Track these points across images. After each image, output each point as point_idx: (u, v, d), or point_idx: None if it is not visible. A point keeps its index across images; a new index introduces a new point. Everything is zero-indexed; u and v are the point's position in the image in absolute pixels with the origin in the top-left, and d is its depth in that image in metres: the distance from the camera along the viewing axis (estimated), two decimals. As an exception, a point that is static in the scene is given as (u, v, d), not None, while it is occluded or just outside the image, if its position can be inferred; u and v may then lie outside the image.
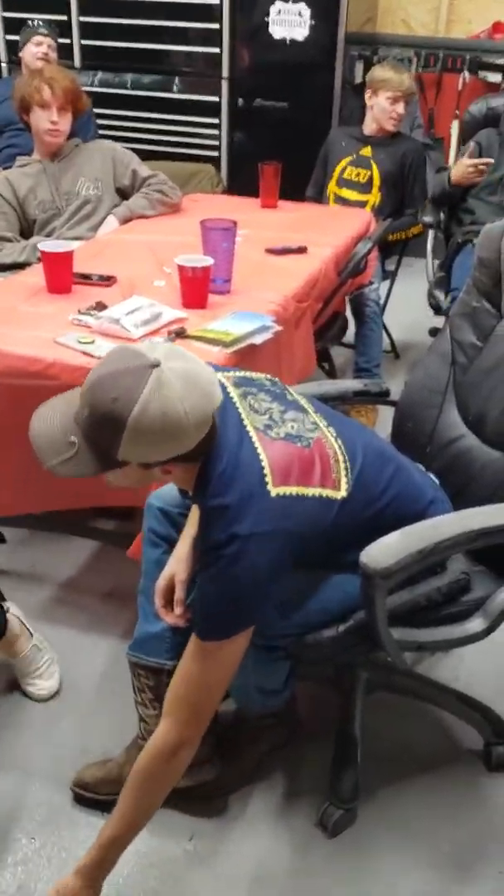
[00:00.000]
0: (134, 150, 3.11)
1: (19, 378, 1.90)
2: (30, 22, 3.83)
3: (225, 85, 4.19)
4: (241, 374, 1.48)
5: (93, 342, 1.94)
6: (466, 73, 4.52)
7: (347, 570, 1.40)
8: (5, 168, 3.27)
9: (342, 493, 1.37)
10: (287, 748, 1.83)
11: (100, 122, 4.12)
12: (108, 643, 2.11)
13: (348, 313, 3.18)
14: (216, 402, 1.25)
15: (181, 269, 2.14)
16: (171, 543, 1.61)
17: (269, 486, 1.29)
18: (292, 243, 2.66)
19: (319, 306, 2.61)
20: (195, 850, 1.64)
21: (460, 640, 1.55)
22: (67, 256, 2.22)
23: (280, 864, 1.63)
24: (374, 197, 3.48)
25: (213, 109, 4.24)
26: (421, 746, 1.88)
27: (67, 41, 4.25)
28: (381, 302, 3.35)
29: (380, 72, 3.49)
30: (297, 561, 1.33)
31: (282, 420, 1.38)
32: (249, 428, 1.34)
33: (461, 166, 3.12)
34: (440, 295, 3.15)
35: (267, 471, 1.30)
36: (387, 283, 3.57)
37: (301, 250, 2.63)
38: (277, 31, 4.13)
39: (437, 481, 1.67)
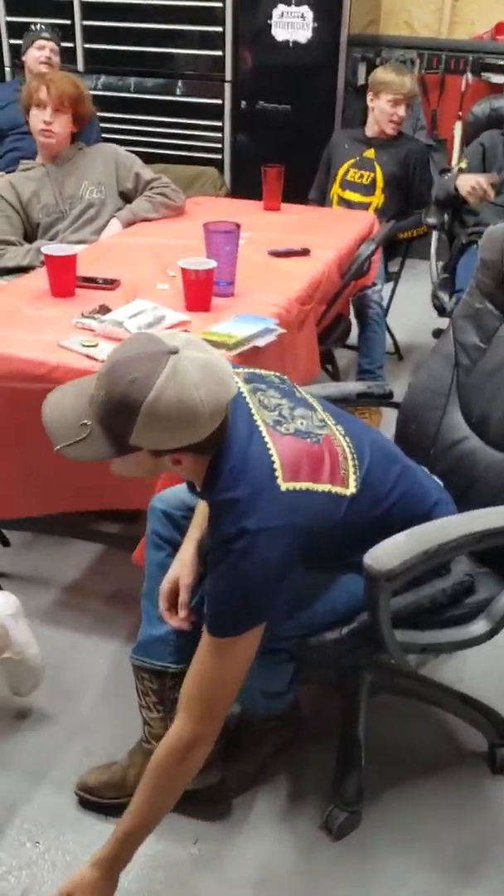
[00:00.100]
0: (137, 153, 3.11)
1: (23, 381, 1.90)
2: (32, 26, 3.85)
3: (228, 88, 4.20)
4: (251, 370, 1.48)
5: (96, 345, 1.94)
6: (469, 75, 4.52)
7: (353, 570, 1.40)
8: (9, 172, 3.29)
9: (351, 489, 1.37)
10: (291, 751, 1.83)
11: (103, 125, 4.13)
12: (112, 646, 2.11)
13: (351, 315, 3.19)
14: (231, 394, 1.25)
15: (184, 272, 2.15)
16: (174, 546, 1.62)
17: (279, 481, 1.29)
18: (295, 246, 2.66)
19: (323, 308, 2.61)
20: (200, 853, 1.64)
21: (464, 642, 1.55)
22: (71, 260, 2.23)
23: (285, 867, 1.62)
24: (378, 199, 3.49)
25: (216, 112, 4.25)
26: (425, 749, 1.88)
27: (71, 45, 4.25)
28: (385, 304, 3.35)
29: (381, 74, 3.49)
30: (306, 557, 1.33)
31: (291, 416, 1.38)
32: (259, 423, 1.34)
33: (469, 180, 3.08)
34: (444, 296, 3.14)
35: (277, 465, 1.30)
36: (390, 285, 3.57)
37: (304, 253, 2.63)
38: (280, 33, 4.14)
39: (441, 483, 1.67)
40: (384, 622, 1.39)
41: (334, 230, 2.94)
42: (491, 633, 1.53)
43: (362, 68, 4.39)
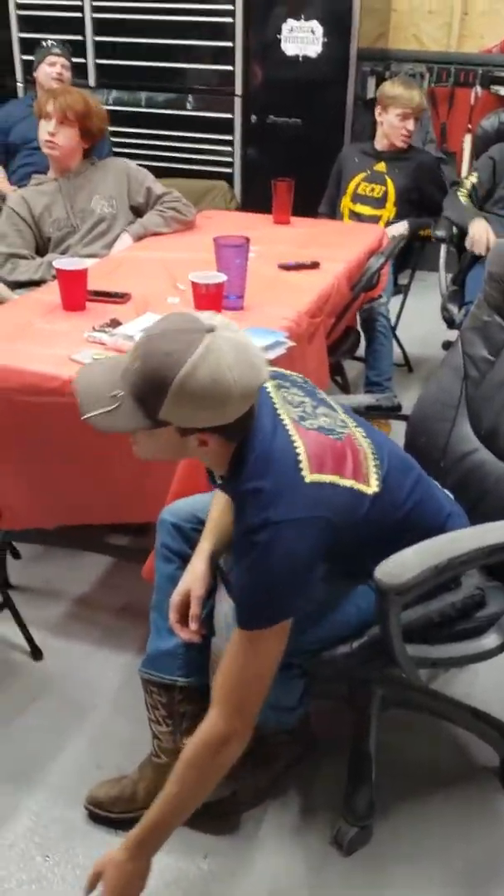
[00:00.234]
0: (148, 167, 3.14)
1: (35, 395, 1.91)
2: (44, 42, 3.89)
3: (238, 102, 4.22)
4: (276, 369, 1.49)
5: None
6: (479, 88, 4.54)
7: (366, 580, 1.40)
8: (21, 186, 3.32)
9: (373, 488, 1.37)
10: (301, 765, 1.82)
11: (114, 139, 4.16)
12: (122, 659, 2.11)
13: (359, 327, 3.19)
14: (262, 378, 1.25)
15: (195, 285, 2.16)
16: (183, 559, 1.62)
17: (304, 473, 1.29)
18: (305, 259, 2.67)
19: (332, 321, 2.61)
20: (210, 868, 1.64)
21: (475, 656, 1.54)
22: (82, 274, 2.24)
23: (295, 882, 1.62)
24: (389, 212, 3.50)
25: (227, 126, 4.28)
26: (435, 763, 1.87)
27: (82, 60, 4.29)
28: (392, 316, 3.36)
29: (390, 88, 3.51)
30: (329, 554, 1.32)
31: (314, 413, 1.39)
32: (284, 417, 1.35)
33: (483, 232, 3.09)
34: (453, 308, 3.15)
35: (302, 457, 1.30)
36: (400, 297, 3.57)
37: (314, 266, 2.64)
38: (290, 48, 4.17)
39: (451, 496, 1.66)
40: (395, 636, 1.39)
41: (344, 243, 2.95)
42: (502, 647, 1.53)
43: (372, 82, 4.41)
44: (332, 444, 1.35)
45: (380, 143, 3.56)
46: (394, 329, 3.41)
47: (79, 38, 4.31)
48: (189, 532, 1.64)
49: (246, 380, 1.21)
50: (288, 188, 3.10)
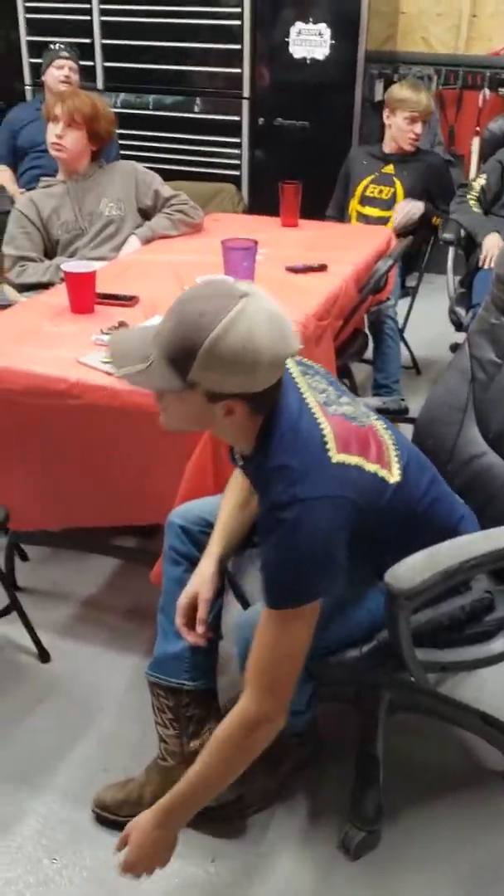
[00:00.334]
0: (156, 170, 3.14)
1: (43, 398, 1.91)
2: (51, 45, 3.90)
3: (246, 105, 4.23)
4: (300, 358, 1.50)
5: (115, 362, 1.95)
6: (487, 91, 4.53)
7: (380, 580, 1.39)
8: (29, 189, 3.32)
9: (396, 477, 1.38)
10: (309, 769, 1.82)
11: (122, 142, 4.17)
12: (129, 661, 2.11)
13: (367, 330, 3.19)
14: (292, 349, 1.26)
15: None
16: (191, 562, 1.62)
17: (331, 453, 1.30)
18: (313, 262, 2.67)
19: (340, 324, 2.61)
20: (217, 871, 1.63)
21: (484, 660, 1.54)
22: (90, 277, 2.24)
23: (302, 887, 1.61)
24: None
25: (235, 129, 4.28)
26: (444, 767, 1.86)
27: (90, 63, 4.30)
28: (400, 318, 3.35)
29: (398, 91, 3.51)
30: (353, 537, 1.31)
31: (338, 401, 1.40)
32: (309, 400, 1.36)
33: (493, 247, 3.08)
34: (461, 311, 3.14)
35: (328, 438, 1.31)
36: (408, 300, 3.57)
37: (321, 268, 2.64)
38: (298, 50, 4.17)
39: (460, 500, 1.66)
40: (405, 640, 1.38)
41: (351, 246, 2.95)
42: (510, 652, 1.52)
43: (380, 85, 4.41)
44: (356, 429, 1.36)
45: (388, 146, 3.56)
46: (401, 331, 3.41)
47: (87, 41, 4.32)
48: (197, 535, 1.64)
49: (276, 347, 1.22)
50: (295, 191, 3.10)
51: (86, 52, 4.25)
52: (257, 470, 1.35)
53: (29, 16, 4.42)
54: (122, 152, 3.99)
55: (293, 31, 4.12)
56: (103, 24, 4.33)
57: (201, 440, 1.81)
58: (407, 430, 2.00)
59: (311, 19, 4.09)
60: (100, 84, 4.41)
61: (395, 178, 3.50)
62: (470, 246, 3.32)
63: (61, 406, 1.91)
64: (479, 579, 1.56)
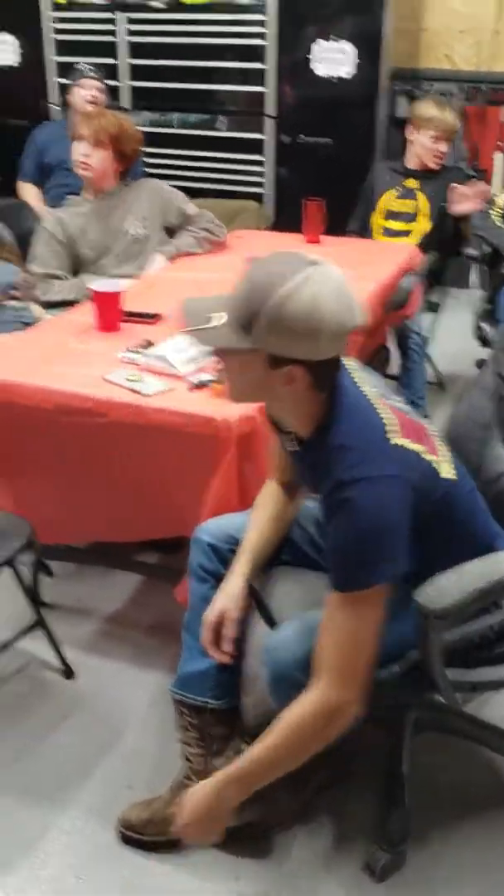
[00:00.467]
0: (181, 187, 3.17)
1: (69, 415, 1.93)
2: (78, 65, 3.95)
3: (269, 122, 4.25)
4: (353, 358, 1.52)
5: (141, 380, 1.96)
6: (510, 106, 4.53)
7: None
8: (56, 206, 3.36)
9: (450, 475, 1.38)
10: (334, 788, 1.81)
11: (147, 160, 4.21)
12: (153, 678, 2.11)
13: (392, 345, 3.19)
14: (356, 321, 1.27)
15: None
16: (217, 579, 1.62)
17: (390, 436, 1.31)
18: (337, 278, 2.66)
19: (363, 340, 2.61)
20: (241, 891, 1.62)
21: (514, 679, 1.52)
22: (117, 296, 2.26)
23: (327, 908, 1.60)
24: (420, 225, 3.49)
25: (258, 146, 4.31)
26: (472, 787, 1.84)
27: (116, 83, 4.35)
28: (426, 334, 3.34)
29: (423, 109, 3.51)
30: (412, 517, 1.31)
31: (391, 396, 1.42)
32: (365, 389, 1.38)
33: None
34: (486, 327, 3.13)
35: (387, 422, 1.33)
36: (433, 315, 3.56)
37: (345, 285, 2.63)
38: (321, 68, 4.19)
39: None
40: (436, 660, 1.38)
41: (375, 262, 2.95)
42: (539, 672, 1.51)
43: (403, 102, 4.42)
44: (412, 421, 1.38)
45: (411, 162, 3.57)
46: (426, 347, 3.40)
47: (113, 61, 4.37)
48: (225, 552, 1.64)
49: (340, 317, 1.24)
50: (318, 208, 3.11)
51: (112, 71, 4.30)
52: (316, 451, 1.36)
53: (56, 36, 4.48)
54: (148, 170, 4.03)
55: (316, 48, 4.14)
56: (129, 45, 4.38)
57: (226, 457, 1.81)
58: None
59: (333, 37, 4.12)
60: (125, 103, 4.45)
61: (417, 192, 3.51)
62: (495, 262, 3.31)
63: (87, 423, 1.93)
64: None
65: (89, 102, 3.79)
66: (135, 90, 4.46)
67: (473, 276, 3.32)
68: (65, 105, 4.22)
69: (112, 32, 4.35)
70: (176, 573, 2.37)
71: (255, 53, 4.19)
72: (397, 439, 1.32)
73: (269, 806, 1.69)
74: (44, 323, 2.50)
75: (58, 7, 4.43)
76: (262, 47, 4.16)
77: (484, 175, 4.67)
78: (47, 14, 4.44)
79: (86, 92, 3.83)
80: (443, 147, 3.47)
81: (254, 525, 1.63)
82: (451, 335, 3.72)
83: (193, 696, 1.63)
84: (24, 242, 2.88)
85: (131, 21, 4.31)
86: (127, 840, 1.69)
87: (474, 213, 3.32)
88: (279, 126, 4.28)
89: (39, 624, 2.10)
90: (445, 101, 3.80)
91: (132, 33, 4.33)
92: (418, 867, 1.66)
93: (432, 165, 3.50)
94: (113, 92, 4.17)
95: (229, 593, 1.57)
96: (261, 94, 4.25)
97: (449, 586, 1.34)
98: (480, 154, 4.69)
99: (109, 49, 4.39)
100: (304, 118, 4.26)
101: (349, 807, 1.78)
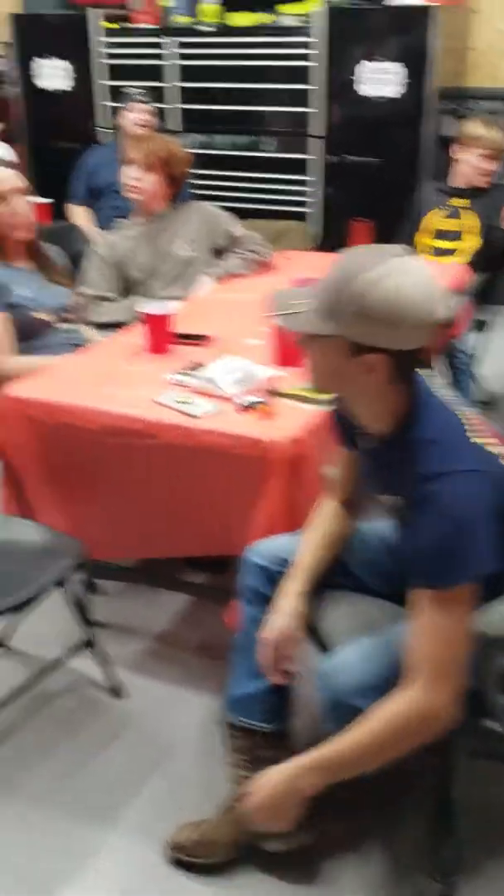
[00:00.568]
0: (228, 208, 3.20)
1: (120, 436, 1.96)
2: (129, 89, 4.02)
3: (316, 142, 4.27)
4: None
5: (190, 402, 1.98)
6: None
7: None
8: (106, 229, 3.42)
9: None
10: (386, 814, 1.79)
11: (195, 182, 4.25)
12: (201, 699, 2.11)
13: (439, 364, 3.17)
14: (439, 315, 1.30)
15: (275, 328, 2.18)
16: (267, 602, 1.61)
17: (469, 434, 1.34)
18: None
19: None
20: (290, 916, 1.62)
21: None
22: (167, 318, 2.29)
23: (377, 937, 1.58)
24: (467, 243, 3.47)
25: (305, 167, 4.33)
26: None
27: (165, 106, 4.42)
28: (473, 352, 3.32)
29: (471, 128, 3.50)
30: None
31: (461, 401, 1.44)
32: (441, 392, 1.41)
33: None
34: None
35: (465, 422, 1.35)
36: (480, 334, 3.53)
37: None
38: (367, 88, 4.20)
39: None
40: (493, 688, 1.36)
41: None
42: None
43: (449, 121, 4.41)
44: (485, 424, 1.39)
45: (457, 181, 3.55)
46: (472, 365, 3.38)
47: (161, 84, 4.44)
48: (275, 574, 1.63)
49: (423, 307, 1.26)
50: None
51: (161, 95, 4.37)
52: (396, 447, 1.36)
53: (106, 61, 4.57)
54: (195, 192, 4.07)
55: (363, 69, 4.16)
56: (179, 68, 4.45)
57: (274, 479, 1.81)
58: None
59: (380, 57, 4.13)
60: (173, 125, 4.52)
61: (464, 211, 3.49)
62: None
63: (137, 444, 1.95)
64: None
65: (139, 126, 3.86)
66: (183, 113, 4.52)
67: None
68: (115, 128, 4.31)
69: (161, 56, 4.42)
70: (223, 593, 2.37)
71: (302, 74, 4.22)
72: (477, 438, 1.33)
73: (318, 831, 1.68)
74: (95, 345, 2.54)
75: (109, 33, 4.51)
76: (308, 68, 4.20)
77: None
78: (98, 40, 4.53)
79: (135, 115, 3.90)
80: (491, 165, 3.46)
81: (309, 543, 1.63)
82: (499, 354, 3.68)
83: (243, 719, 1.63)
84: (74, 264, 2.93)
85: (180, 45, 4.37)
86: (175, 861, 1.69)
87: None
88: (325, 146, 4.30)
89: (89, 643, 2.12)
90: (493, 120, 3.78)
91: (181, 57, 4.40)
92: (470, 898, 1.64)
93: (480, 184, 3.49)
94: (161, 115, 4.23)
95: (287, 612, 1.56)
96: (307, 115, 4.27)
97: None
98: (528, 171, 4.65)
99: (158, 73, 4.46)
100: (351, 138, 4.28)
101: (401, 834, 1.76)
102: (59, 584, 1.94)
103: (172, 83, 4.46)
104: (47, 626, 2.25)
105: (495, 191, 3.57)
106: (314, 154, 4.34)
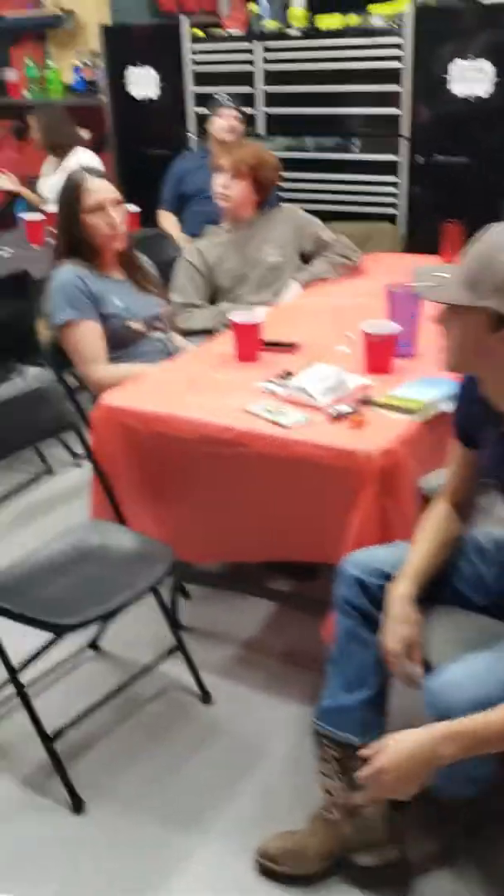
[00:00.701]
0: (314, 211, 3.19)
1: (211, 445, 1.97)
2: (216, 96, 4.05)
3: (404, 143, 4.22)
4: None
5: (280, 411, 1.98)
6: None
7: None
8: (194, 235, 3.46)
9: None
10: (479, 834, 1.75)
11: (281, 184, 4.25)
12: (289, 707, 2.11)
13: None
14: None
15: (367, 336, 2.16)
16: (363, 615, 1.60)
17: None
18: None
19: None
20: (380, 933, 1.60)
21: None
22: (256, 327, 2.30)
23: None
24: None
25: (392, 168, 4.28)
26: None
27: (252, 110, 4.43)
28: None
29: None
30: None
31: None
32: None
33: None
34: None
35: None
36: None
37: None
38: (458, 87, 4.12)
39: None
40: None
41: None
42: None
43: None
44: None
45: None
46: None
47: (249, 89, 4.45)
48: (373, 587, 1.60)
49: None
50: (458, 231, 3.05)
51: (248, 100, 4.38)
52: None
53: (194, 68, 4.61)
54: (282, 194, 4.07)
55: (454, 68, 4.09)
56: (265, 73, 4.45)
57: (366, 491, 1.80)
58: None
59: (471, 55, 4.05)
60: (260, 129, 4.53)
61: None
62: None
63: (228, 453, 1.96)
64: None
65: (227, 131, 3.89)
66: (270, 116, 4.53)
67: None
68: (202, 134, 4.35)
69: (249, 62, 4.43)
70: (309, 602, 2.38)
71: (390, 75, 4.17)
72: None
73: (409, 848, 1.66)
74: (185, 353, 2.57)
75: (197, 40, 4.56)
76: (397, 69, 4.15)
77: None
78: (187, 47, 4.58)
79: (224, 121, 3.93)
80: None
81: (421, 547, 1.61)
82: None
83: (336, 731, 1.61)
84: (165, 272, 2.97)
85: (268, 50, 4.38)
86: (264, 871, 1.69)
87: None
88: (413, 146, 4.24)
89: (179, 648, 2.15)
90: None
91: (268, 61, 4.40)
92: None
93: None
94: (249, 119, 4.25)
95: (405, 619, 1.53)
96: (395, 116, 4.22)
97: None
98: None
99: (246, 78, 4.47)
100: (439, 138, 4.20)
101: (496, 853, 1.73)
102: (151, 589, 1.97)
103: (259, 87, 4.47)
104: (136, 628, 2.29)
105: None
106: (401, 155, 4.29)
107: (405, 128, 4.21)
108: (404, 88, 4.14)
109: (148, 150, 4.83)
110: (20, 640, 1.94)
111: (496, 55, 3.98)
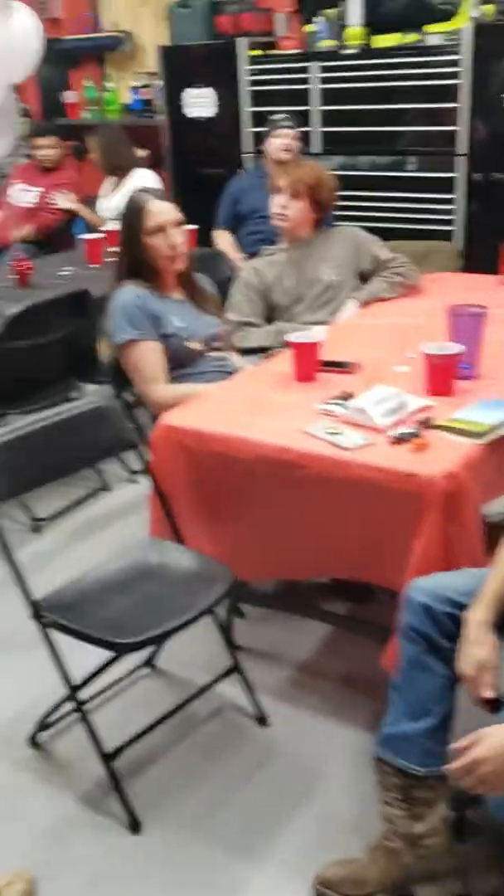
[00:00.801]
0: (370, 229, 3.18)
1: (271, 466, 1.97)
2: (273, 116, 4.07)
3: (462, 161, 4.20)
4: None
5: (340, 432, 1.97)
6: None
7: None
8: (250, 254, 3.48)
9: None
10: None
11: (337, 203, 4.25)
12: (347, 732, 2.09)
13: None
14: None
15: (428, 357, 2.14)
16: (428, 642, 1.57)
17: None
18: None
19: None
20: None
21: None
22: (314, 346, 2.29)
23: None
24: None
25: (449, 186, 4.26)
26: None
27: (307, 129, 4.45)
28: None
29: None
30: None
31: None
32: None
33: None
34: None
35: None
36: None
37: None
38: (516, 104, 4.09)
39: None
40: None
41: None
42: None
43: None
44: None
45: None
46: None
47: (304, 108, 4.47)
48: (441, 616, 1.57)
49: None
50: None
51: (304, 118, 4.40)
52: None
53: (251, 88, 4.65)
54: (338, 213, 4.07)
55: (512, 84, 4.06)
56: (321, 91, 4.47)
57: (429, 516, 1.77)
58: None
59: (531, 71, 4.02)
60: (315, 148, 4.54)
61: None
62: None
63: (288, 475, 1.96)
64: None
65: (283, 151, 3.90)
66: (326, 135, 4.54)
67: None
68: (259, 154, 4.37)
69: (305, 81, 4.46)
70: (364, 625, 2.36)
71: (447, 93, 4.16)
72: None
73: (474, 882, 1.62)
74: (243, 373, 2.58)
75: (254, 60, 4.60)
76: (454, 86, 4.13)
77: None
78: (244, 68, 4.62)
79: (280, 141, 3.94)
80: None
81: (499, 573, 1.56)
82: None
83: (398, 760, 1.59)
84: (221, 291, 2.98)
85: (324, 69, 4.40)
86: (323, 899, 1.68)
87: None
88: (470, 164, 4.21)
89: (235, 668, 2.14)
90: None
91: (324, 81, 4.42)
92: None
93: None
94: (304, 138, 4.26)
95: (482, 642, 1.48)
96: (452, 133, 4.20)
97: None
98: None
99: (301, 97, 4.49)
100: (497, 155, 4.17)
101: None
102: (209, 610, 1.97)
103: (315, 106, 4.49)
104: (192, 647, 2.29)
105: None
106: (457, 172, 4.26)
107: (462, 145, 4.19)
108: (462, 105, 4.12)
109: (204, 170, 4.88)
110: (79, 656, 1.95)
111: None
